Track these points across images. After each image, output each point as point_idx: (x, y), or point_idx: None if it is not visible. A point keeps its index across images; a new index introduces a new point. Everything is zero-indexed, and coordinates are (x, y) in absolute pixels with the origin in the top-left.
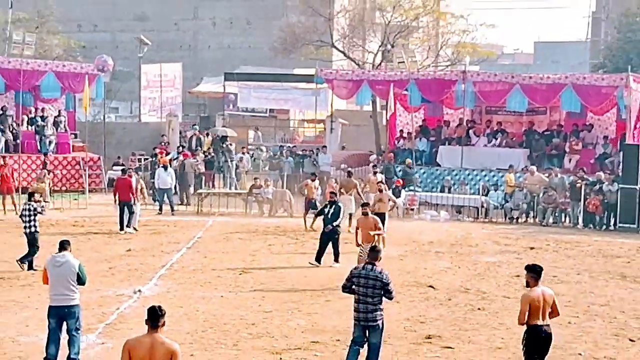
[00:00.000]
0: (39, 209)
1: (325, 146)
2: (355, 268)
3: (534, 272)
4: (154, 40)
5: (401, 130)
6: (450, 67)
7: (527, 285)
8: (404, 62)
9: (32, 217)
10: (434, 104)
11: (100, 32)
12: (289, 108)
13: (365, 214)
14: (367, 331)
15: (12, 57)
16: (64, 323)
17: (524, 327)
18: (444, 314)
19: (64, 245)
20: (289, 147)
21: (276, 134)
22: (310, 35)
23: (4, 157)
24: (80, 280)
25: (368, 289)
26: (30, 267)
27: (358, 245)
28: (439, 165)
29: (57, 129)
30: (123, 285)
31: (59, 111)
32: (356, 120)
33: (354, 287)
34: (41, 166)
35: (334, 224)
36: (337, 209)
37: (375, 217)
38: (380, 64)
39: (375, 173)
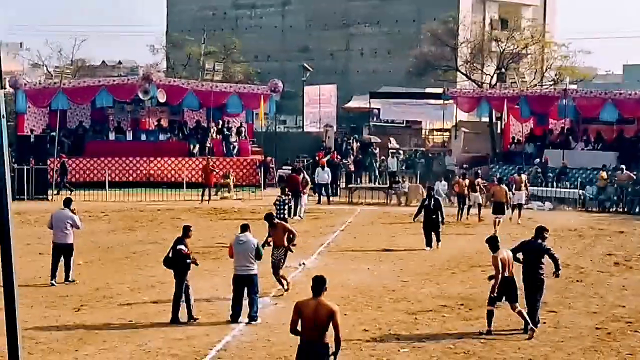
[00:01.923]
0: (287, 201)
1: (450, 150)
2: (525, 241)
3: (489, 243)
4: (314, 67)
5: (513, 137)
6: (553, 85)
7: (493, 251)
8: (515, 82)
9: (282, 209)
10: (541, 115)
11: (272, 62)
12: (422, 119)
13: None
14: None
15: (205, 82)
16: (245, 288)
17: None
18: (549, 285)
19: (245, 227)
20: (421, 150)
21: (411, 140)
22: (439, 61)
23: (208, 158)
24: (258, 255)
25: (531, 256)
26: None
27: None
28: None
29: (239, 137)
30: (290, 260)
31: (241, 123)
32: (476, 128)
33: (519, 255)
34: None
35: (436, 218)
36: (437, 203)
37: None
38: (496, 83)
39: (520, 174)
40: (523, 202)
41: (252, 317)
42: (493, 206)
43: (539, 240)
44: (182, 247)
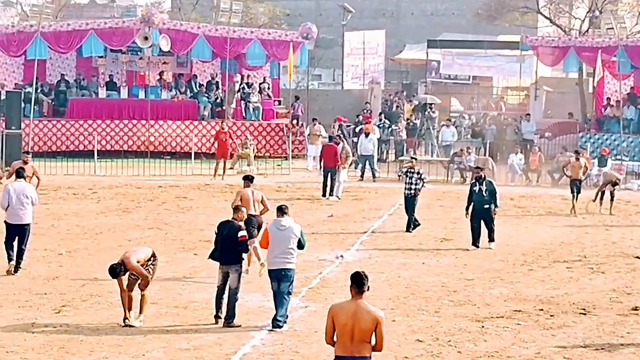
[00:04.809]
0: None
1: (529, 114)
2: None
3: None
4: (357, 8)
5: (608, 98)
6: None
7: None
8: (612, 28)
9: (416, 182)
10: None
11: (305, 0)
12: (492, 75)
13: None
14: None
15: (220, 25)
16: (279, 284)
17: None
18: None
19: (283, 210)
20: (492, 114)
21: (479, 101)
22: (516, 2)
23: (223, 122)
24: (300, 245)
25: None
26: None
27: None
28: None
29: (261, 96)
30: (325, 251)
31: (264, 78)
32: (561, 87)
33: None
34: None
35: (490, 207)
36: (490, 186)
37: None
38: (587, 30)
39: (577, 159)
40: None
41: (277, 322)
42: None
43: None
44: (244, 232)
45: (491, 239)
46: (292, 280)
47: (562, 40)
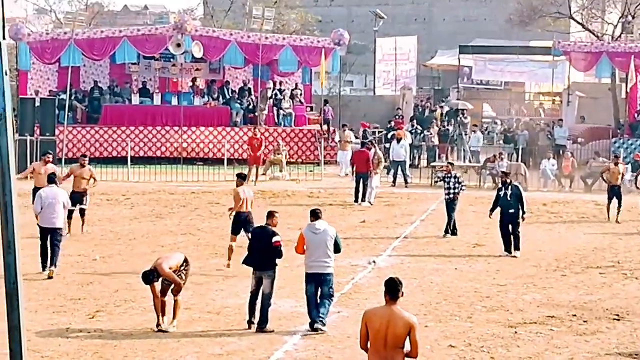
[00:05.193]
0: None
1: (561, 119)
2: None
3: None
4: (389, 14)
5: None
6: None
7: None
8: None
9: (454, 186)
10: None
11: (336, 7)
12: (525, 81)
13: None
14: None
15: (252, 32)
16: (319, 289)
17: None
18: None
19: (317, 214)
20: (524, 120)
21: (511, 106)
22: (548, 7)
23: (255, 128)
24: (337, 248)
25: None
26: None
27: None
28: None
29: (293, 102)
30: (357, 256)
31: (296, 84)
32: (594, 93)
33: None
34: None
35: (516, 212)
36: (516, 190)
37: None
38: (620, 35)
39: (616, 164)
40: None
41: (320, 319)
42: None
43: None
44: (279, 238)
45: (516, 246)
46: (332, 284)
47: (595, 45)
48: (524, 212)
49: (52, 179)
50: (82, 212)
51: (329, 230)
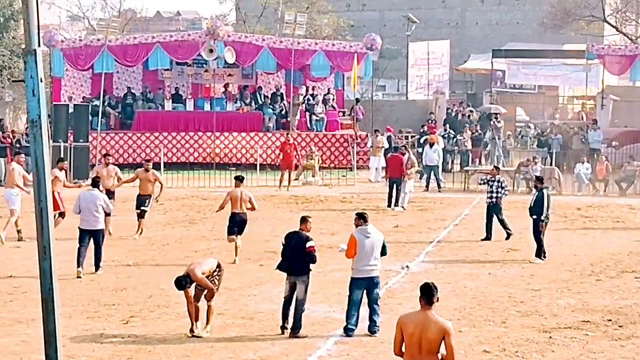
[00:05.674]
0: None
1: (595, 122)
2: None
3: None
4: (421, 18)
5: None
6: None
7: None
8: None
9: (497, 190)
10: None
11: (369, 11)
12: (558, 84)
13: None
14: None
15: (284, 37)
16: (366, 293)
17: None
18: None
19: (365, 217)
20: (558, 123)
21: (544, 110)
22: (582, 10)
23: (288, 133)
24: (383, 252)
25: None
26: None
27: None
28: None
29: (326, 107)
30: (391, 261)
31: (328, 89)
32: (629, 96)
33: None
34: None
35: (540, 217)
36: (540, 195)
37: None
38: None
39: None
40: None
41: (373, 329)
42: None
43: None
44: (313, 243)
45: (536, 253)
46: (379, 288)
47: (629, 48)
48: (546, 217)
49: (96, 182)
50: (142, 214)
51: (379, 234)
